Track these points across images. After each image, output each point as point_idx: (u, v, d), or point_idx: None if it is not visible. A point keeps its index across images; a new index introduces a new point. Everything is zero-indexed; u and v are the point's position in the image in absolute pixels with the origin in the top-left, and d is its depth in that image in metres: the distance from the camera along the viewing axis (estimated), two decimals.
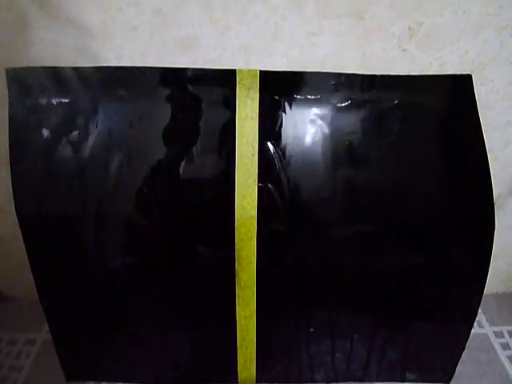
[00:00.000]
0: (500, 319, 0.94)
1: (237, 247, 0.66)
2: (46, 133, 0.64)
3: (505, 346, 0.88)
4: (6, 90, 0.62)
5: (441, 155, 0.67)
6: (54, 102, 0.63)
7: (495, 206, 0.66)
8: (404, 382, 0.80)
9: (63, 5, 0.63)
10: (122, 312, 0.74)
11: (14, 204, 0.63)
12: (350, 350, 0.77)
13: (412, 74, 0.66)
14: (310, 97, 0.65)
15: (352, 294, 0.73)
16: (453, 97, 0.66)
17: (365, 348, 0.77)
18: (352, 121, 0.66)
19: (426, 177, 0.67)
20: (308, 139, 0.65)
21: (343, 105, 0.65)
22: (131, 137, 0.65)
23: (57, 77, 0.63)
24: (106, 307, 0.73)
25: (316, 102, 0.65)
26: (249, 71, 0.63)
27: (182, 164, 0.65)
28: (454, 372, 0.79)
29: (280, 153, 0.65)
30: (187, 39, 0.66)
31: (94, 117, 0.64)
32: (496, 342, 0.89)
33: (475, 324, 0.87)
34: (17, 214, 0.64)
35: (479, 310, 0.73)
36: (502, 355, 0.86)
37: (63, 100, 0.64)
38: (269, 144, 0.65)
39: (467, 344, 0.75)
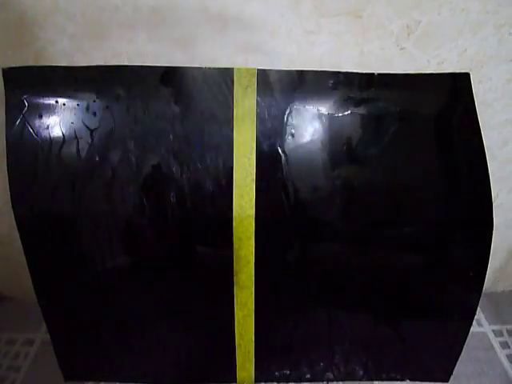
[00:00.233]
0: (499, 318, 0.94)
1: (235, 247, 0.66)
2: (43, 132, 0.63)
3: (504, 345, 0.88)
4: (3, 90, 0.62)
5: (439, 154, 0.67)
6: (51, 101, 0.63)
7: (494, 204, 0.66)
8: (403, 380, 0.80)
9: None
10: (120, 312, 0.74)
11: (11, 205, 0.63)
12: (349, 349, 0.77)
13: (410, 72, 0.66)
14: (307, 95, 0.65)
15: (350, 292, 0.72)
16: (451, 95, 0.66)
17: (364, 347, 0.77)
18: (350, 119, 0.65)
19: (424, 175, 0.67)
20: (306, 138, 0.65)
21: (341, 103, 0.65)
22: (130, 136, 0.65)
23: (54, 76, 0.63)
24: (104, 307, 0.73)
25: (314, 101, 0.65)
26: (247, 70, 0.63)
27: (180, 164, 0.65)
28: (453, 371, 0.79)
29: (278, 152, 0.65)
30: (184, 38, 0.66)
31: (92, 116, 0.64)
32: (495, 341, 0.89)
33: (474, 323, 0.87)
34: (14, 214, 0.64)
35: (478, 309, 0.73)
36: (501, 354, 0.86)
37: (61, 99, 0.63)
38: (267, 143, 0.65)
39: (466, 343, 0.75)
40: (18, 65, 0.62)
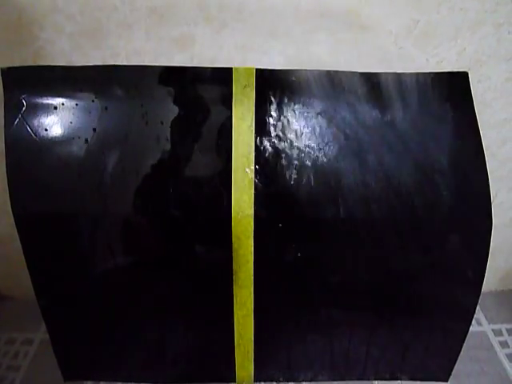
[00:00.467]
0: (499, 317, 0.94)
1: (234, 246, 0.66)
2: (42, 132, 0.63)
3: (503, 344, 0.88)
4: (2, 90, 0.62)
5: (437, 153, 0.67)
6: (50, 101, 0.63)
7: (493, 203, 0.66)
8: (402, 380, 0.80)
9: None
10: (120, 311, 0.74)
11: (10, 204, 0.63)
12: (349, 349, 0.77)
13: (409, 71, 0.66)
14: (306, 95, 0.65)
15: (350, 292, 0.72)
16: (449, 94, 0.66)
17: (363, 347, 0.77)
18: (349, 119, 0.65)
19: (422, 174, 0.67)
20: (305, 137, 0.65)
21: (340, 102, 0.65)
22: (128, 136, 0.65)
23: (52, 76, 0.63)
24: (103, 307, 0.73)
25: (313, 100, 0.65)
26: (245, 69, 0.63)
27: (179, 163, 0.65)
28: (453, 370, 0.79)
29: (277, 151, 0.65)
30: (182, 37, 0.66)
31: (91, 116, 0.64)
32: (495, 340, 0.88)
33: (474, 322, 0.87)
34: (13, 214, 0.64)
35: (478, 308, 0.73)
36: (501, 353, 0.86)
37: (59, 99, 0.63)
38: (266, 142, 0.65)
39: (466, 342, 0.75)
40: (16, 64, 0.62)
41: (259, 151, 0.64)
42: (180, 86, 0.65)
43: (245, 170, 0.64)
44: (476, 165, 0.66)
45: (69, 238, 0.68)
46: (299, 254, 0.69)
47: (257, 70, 0.63)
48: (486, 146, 0.64)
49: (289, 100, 0.65)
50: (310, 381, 0.80)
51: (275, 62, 0.68)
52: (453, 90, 0.66)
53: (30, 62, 0.66)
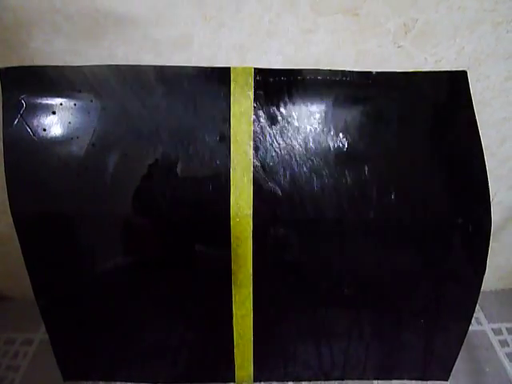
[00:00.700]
0: (498, 316, 0.94)
1: (233, 246, 0.66)
2: (41, 132, 0.63)
3: (503, 343, 0.88)
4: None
5: (437, 152, 0.67)
6: (49, 101, 0.63)
7: (493, 202, 0.65)
8: (402, 379, 0.80)
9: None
10: (119, 311, 0.74)
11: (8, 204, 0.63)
12: (348, 348, 0.77)
13: (407, 70, 0.66)
14: (305, 94, 0.65)
15: (349, 292, 0.72)
16: (448, 93, 0.66)
17: (363, 346, 0.77)
18: (348, 118, 0.65)
19: (422, 174, 0.67)
20: (304, 136, 0.65)
21: (339, 102, 0.65)
22: (127, 135, 0.65)
23: (51, 76, 0.63)
24: (102, 307, 0.73)
25: (311, 99, 0.65)
26: (243, 69, 0.63)
27: (178, 163, 0.65)
28: (452, 369, 0.79)
29: (276, 150, 0.65)
30: (181, 37, 0.66)
31: (90, 116, 0.64)
32: (494, 339, 0.88)
33: (473, 321, 0.87)
34: (12, 214, 0.64)
35: (477, 307, 0.73)
36: (501, 352, 0.86)
37: (58, 99, 0.63)
38: (264, 142, 0.64)
39: (465, 341, 0.75)
40: (14, 65, 0.62)
41: (258, 151, 0.64)
42: (178, 86, 0.65)
43: (243, 169, 0.64)
44: (475, 164, 0.65)
45: (68, 237, 0.68)
46: (298, 254, 0.69)
47: (255, 69, 0.63)
48: (486, 145, 0.64)
49: (288, 99, 0.64)
50: (310, 380, 0.80)
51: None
52: (452, 88, 0.66)
53: (28, 63, 0.66)
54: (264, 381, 0.80)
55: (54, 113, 0.64)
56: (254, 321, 0.72)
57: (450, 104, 0.66)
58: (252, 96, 0.63)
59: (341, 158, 0.66)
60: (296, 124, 0.65)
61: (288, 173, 0.65)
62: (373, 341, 0.77)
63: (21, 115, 0.63)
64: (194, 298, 0.72)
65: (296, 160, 0.65)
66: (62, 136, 0.64)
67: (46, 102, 0.63)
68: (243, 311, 0.70)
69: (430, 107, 0.66)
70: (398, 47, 0.67)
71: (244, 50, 0.66)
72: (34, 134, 0.63)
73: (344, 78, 0.64)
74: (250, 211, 0.64)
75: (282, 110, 0.64)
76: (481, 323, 0.92)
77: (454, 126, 0.66)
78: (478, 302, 0.71)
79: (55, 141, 0.64)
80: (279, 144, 0.65)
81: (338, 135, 0.65)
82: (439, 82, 0.65)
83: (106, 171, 0.64)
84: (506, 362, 0.84)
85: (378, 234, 0.69)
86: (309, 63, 0.68)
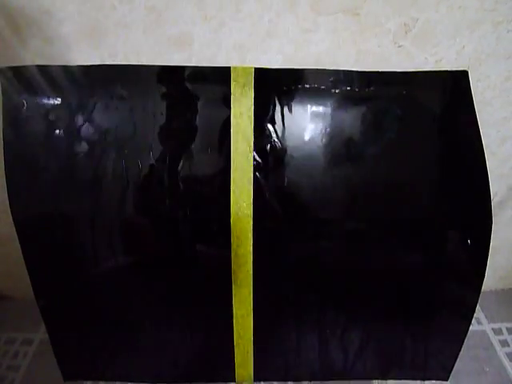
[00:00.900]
0: (499, 316, 0.94)
1: (233, 246, 0.66)
2: (40, 132, 0.63)
3: (503, 343, 0.88)
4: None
5: (437, 152, 0.67)
6: (48, 101, 0.63)
7: (493, 202, 0.66)
8: (402, 379, 0.80)
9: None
10: (119, 311, 0.74)
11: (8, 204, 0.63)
12: (348, 348, 0.77)
13: (408, 70, 0.66)
14: (305, 94, 0.65)
15: (349, 292, 0.72)
16: (449, 93, 0.66)
17: (363, 346, 0.77)
18: (348, 118, 0.65)
19: (422, 174, 0.67)
20: (304, 137, 0.65)
21: (339, 102, 0.65)
22: (127, 135, 0.65)
23: (51, 75, 0.63)
24: (102, 306, 0.73)
25: (312, 99, 0.65)
26: (243, 69, 0.63)
27: (178, 163, 0.65)
28: (453, 369, 0.79)
29: (276, 150, 0.65)
30: (181, 37, 0.66)
31: (90, 115, 0.64)
32: (495, 339, 0.88)
33: (474, 321, 0.87)
34: (12, 213, 0.64)
35: (478, 307, 0.72)
36: (501, 352, 0.86)
37: (57, 99, 0.63)
38: (265, 142, 0.64)
39: (466, 341, 0.75)
40: (15, 64, 0.62)
41: (258, 150, 0.64)
42: (178, 86, 0.64)
43: (244, 169, 0.64)
44: (476, 163, 0.65)
45: (68, 237, 0.68)
46: (298, 254, 0.69)
47: (255, 69, 0.63)
48: (486, 145, 0.64)
49: (288, 99, 0.64)
50: (310, 380, 0.80)
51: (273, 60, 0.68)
52: (453, 88, 0.66)
53: (28, 62, 0.66)
54: (264, 380, 0.80)
55: (54, 112, 0.63)
56: (254, 321, 0.72)
57: (451, 104, 0.66)
58: (252, 96, 0.62)
59: (341, 157, 0.66)
60: (296, 124, 0.65)
61: (289, 172, 0.65)
62: (373, 341, 0.77)
63: (21, 115, 0.63)
64: (193, 297, 0.72)
65: (297, 159, 0.65)
66: (63, 136, 0.64)
67: (47, 101, 0.63)
68: (243, 311, 0.70)
69: (431, 107, 0.66)
70: (399, 47, 0.67)
71: (244, 49, 0.66)
72: (34, 134, 0.63)
73: (344, 78, 0.64)
74: (250, 211, 0.64)
75: (282, 109, 0.64)
76: (481, 323, 0.92)
77: (455, 125, 0.66)
78: (478, 301, 0.71)
79: (56, 141, 0.64)
80: (280, 144, 0.65)
81: (338, 135, 0.65)
82: (440, 81, 0.65)
83: (106, 171, 0.64)
84: (506, 361, 0.84)
85: (378, 233, 0.69)
86: (309, 63, 0.68)
